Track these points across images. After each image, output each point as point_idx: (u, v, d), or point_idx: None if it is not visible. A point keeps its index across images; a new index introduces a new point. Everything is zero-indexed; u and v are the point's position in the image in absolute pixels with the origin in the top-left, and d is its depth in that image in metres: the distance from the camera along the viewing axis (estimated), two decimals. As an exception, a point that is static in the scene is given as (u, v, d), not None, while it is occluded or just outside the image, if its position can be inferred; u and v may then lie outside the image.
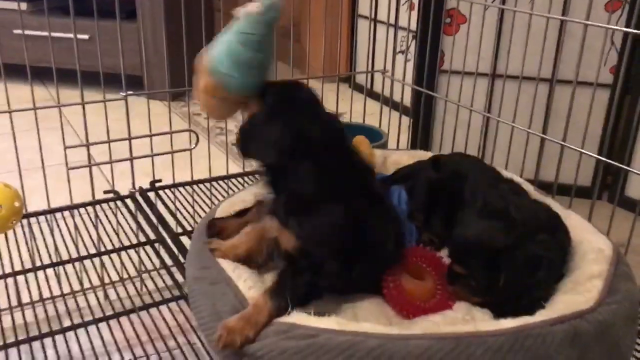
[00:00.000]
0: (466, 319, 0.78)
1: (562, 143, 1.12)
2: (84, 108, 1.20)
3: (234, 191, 1.33)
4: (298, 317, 0.72)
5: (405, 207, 0.98)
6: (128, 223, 1.21)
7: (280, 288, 0.75)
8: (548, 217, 0.89)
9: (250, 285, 0.78)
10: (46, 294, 1.00)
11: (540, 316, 0.70)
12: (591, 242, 0.87)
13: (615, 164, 1.10)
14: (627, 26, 1.64)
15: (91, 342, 0.89)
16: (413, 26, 2.08)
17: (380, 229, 0.83)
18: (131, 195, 1.25)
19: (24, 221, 1.16)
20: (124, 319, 0.95)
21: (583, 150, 1.10)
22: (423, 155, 1.15)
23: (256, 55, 0.82)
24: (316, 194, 0.79)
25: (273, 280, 0.77)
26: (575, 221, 0.93)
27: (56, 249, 1.12)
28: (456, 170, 1.02)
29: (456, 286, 0.83)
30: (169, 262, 1.05)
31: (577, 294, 0.75)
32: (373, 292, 0.84)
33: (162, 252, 1.09)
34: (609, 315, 0.72)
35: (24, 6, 2.45)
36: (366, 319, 0.78)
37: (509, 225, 0.81)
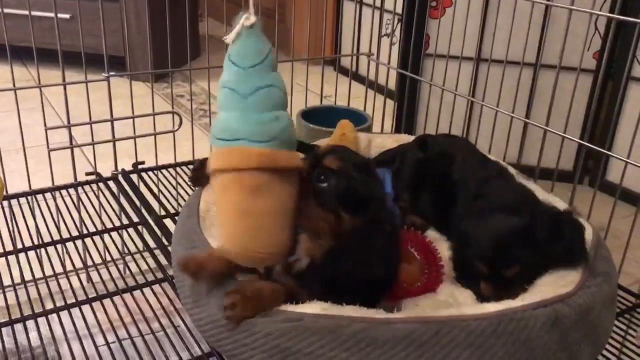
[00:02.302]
0: (449, 302, 0.79)
1: (545, 127, 1.13)
2: (65, 89, 1.18)
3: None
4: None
5: (391, 191, 0.98)
6: (110, 205, 1.20)
7: (305, 278, 0.74)
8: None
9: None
10: (28, 277, 0.99)
11: (522, 300, 0.71)
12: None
13: (597, 148, 1.11)
14: (611, 12, 1.65)
15: (74, 324, 0.89)
16: (399, 9, 2.07)
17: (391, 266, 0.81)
18: (114, 177, 1.24)
19: (5, 203, 1.15)
20: (107, 302, 0.94)
21: (565, 135, 1.11)
22: (407, 139, 1.16)
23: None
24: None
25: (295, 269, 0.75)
26: (557, 205, 0.94)
27: (38, 231, 1.11)
28: (443, 150, 1.02)
29: (487, 285, 0.82)
30: (152, 244, 1.04)
31: (559, 277, 0.76)
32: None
33: (146, 234, 1.09)
34: (589, 299, 0.73)
35: (2, -16, 2.40)
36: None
37: (526, 217, 0.82)
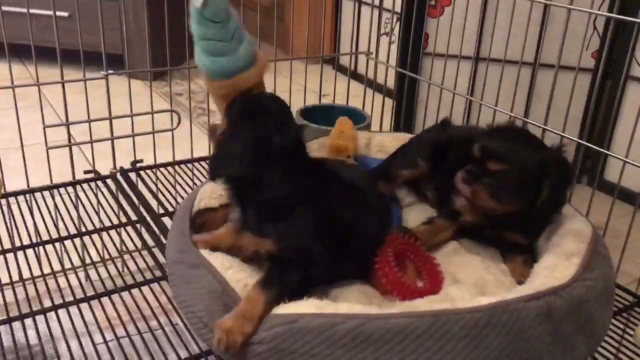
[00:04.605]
0: (444, 300, 0.79)
1: (544, 126, 1.13)
2: (63, 87, 1.18)
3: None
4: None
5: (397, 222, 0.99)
6: (109, 203, 1.20)
7: (271, 279, 0.75)
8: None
9: (227, 266, 0.79)
10: (26, 275, 0.99)
11: (516, 292, 0.72)
12: (571, 222, 0.88)
13: (595, 147, 1.11)
14: (610, 11, 1.65)
15: (72, 323, 0.89)
16: (398, 8, 2.07)
17: (361, 215, 0.84)
18: (112, 176, 1.24)
19: (3, 201, 1.14)
20: (105, 300, 0.94)
21: (564, 134, 1.11)
22: (406, 137, 1.16)
23: (215, 43, 0.90)
24: (286, 197, 0.79)
25: (263, 274, 0.77)
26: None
27: (36, 229, 1.11)
28: (464, 133, 1.02)
29: (476, 186, 0.86)
30: (150, 242, 1.04)
31: (555, 270, 0.77)
32: (360, 277, 0.85)
33: (144, 233, 1.08)
34: (583, 291, 0.74)
35: (1, -18, 2.39)
36: (346, 299, 0.79)
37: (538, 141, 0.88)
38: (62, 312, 0.91)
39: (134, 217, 1.13)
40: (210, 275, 0.77)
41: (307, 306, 0.70)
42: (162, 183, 1.31)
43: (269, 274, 0.76)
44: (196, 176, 1.33)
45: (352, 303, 0.74)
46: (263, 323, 0.70)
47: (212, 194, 0.95)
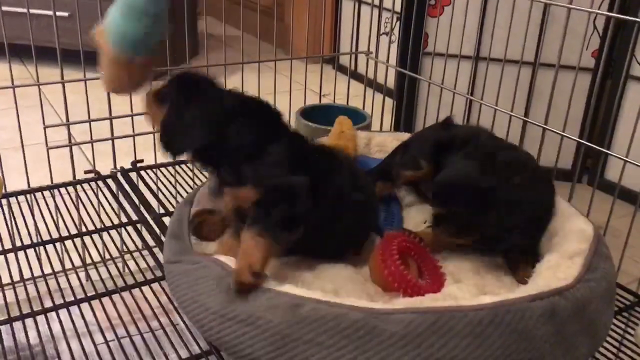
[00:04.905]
0: (447, 298, 0.79)
1: (544, 126, 1.13)
2: (63, 87, 1.18)
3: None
4: (287, 287, 0.73)
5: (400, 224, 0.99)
6: (109, 203, 1.20)
7: (258, 218, 0.75)
8: (532, 165, 0.94)
9: (228, 259, 0.79)
10: (27, 275, 0.99)
11: (519, 292, 0.72)
12: (573, 222, 0.88)
13: (596, 147, 1.11)
14: (610, 10, 1.65)
15: (73, 323, 0.89)
16: (398, 7, 2.07)
17: (337, 175, 0.86)
18: (112, 176, 1.24)
19: (4, 201, 1.14)
20: (106, 300, 0.94)
21: (564, 134, 1.11)
22: (406, 137, 1.16)
23: (143, 3, 0.81)
24: (255, 143, 0.80)
25: (249, 217, 0.77)
26: (557, 203, 0.94)
27: (37, 229, 1.11)
28: (465, 133, 1.02)
29: (439, 228, 0.86)
30: (151, 242, 1.04)
31: (558, 270, 0.77)
32: (344, 254, 0.87)
33: (145, 232, 1.08)
34: (586, 293, 0.74)
35: (1, -18, 2.39)
36: (348, 295, 0.79)
37: (491, 167, 0.86)
38: (62, 312, 0.91)
39: (134, 217, 1.13)
40: (213, 264, 0.78)
41: (313, 293, 0.71)
42: (162, 183, 1.31)
43: (255, 214, 0.76)
44: (197, 176, 1.33)
45: (355, 298, 0.74)
46: (268, 301, 0.70)
47: (210, 196, 0.95)
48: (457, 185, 0.86)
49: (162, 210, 1.18)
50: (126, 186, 1.21)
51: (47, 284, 0.97)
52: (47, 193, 1.20)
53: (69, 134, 1.21)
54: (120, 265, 1.08)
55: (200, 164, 0.86)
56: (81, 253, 1.11)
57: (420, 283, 0.84)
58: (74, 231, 1.11)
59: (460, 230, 0.86)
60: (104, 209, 1.19)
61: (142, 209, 1.13)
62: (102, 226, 1.14)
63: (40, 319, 0.89)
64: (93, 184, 1.24)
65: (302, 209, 0.78)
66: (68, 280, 0.97)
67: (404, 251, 0.87)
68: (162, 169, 1.32)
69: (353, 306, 0.68)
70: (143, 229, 1.10)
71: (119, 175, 1.24)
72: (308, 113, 1.42)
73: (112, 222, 1.15)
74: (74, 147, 1.22)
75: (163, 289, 0.97)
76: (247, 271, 0.72)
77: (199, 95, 0.83)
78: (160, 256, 1.00)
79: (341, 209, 0.85)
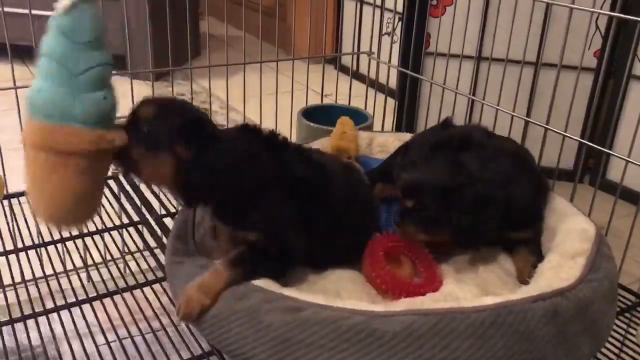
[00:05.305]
0: (448, 299, 0.79)
1: (546, 126, 1.13)
2: (65, 87, 1.18)
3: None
4: (289, 291, 0.73)
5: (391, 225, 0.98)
6: (111, 204, 1.20)
7: (241, 258, 0.76)
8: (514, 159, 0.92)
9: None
10: (28, 276, 0.99)
11: (521, 293, 0.72)
12: (575, 222, 0.88)
13: (597, 147, 1.11)
14: (612, 10, 1.64)
15: (74, 323, 0.89)
16: (399, 8, 2.07)
17: (333, 198, 0.85)
18: (114, 177, 1.24)
19: (5, 202, 1.14)
20: (107, 301, 0.94)
21: (566, 134, 1.11)
22: (408, 137, 1.15)
23: (59, 67, 0.73)
24: (257, 187, 0.79)
25: (235, 251, 0.77)
26: (559, 203, 0.94)
27: (38, 230, 1.11)
28: (464, 132, 1.02)
29: (404, 221, 0.86)
30: (152, 243, 1.04)
31: (560, 270, 0.77)
32: (348, 262, 0.86)
33: (146, 233, 1.08)
34: (589, 293, 0.74)
35: (3, -18, 2.39)
36: (350, 298, 0.79)
37: (458, 166, 0.86)
38: (64, 313, 0.91)
39: (135, 218, 1.13)
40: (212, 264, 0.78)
41: (314, 297, 0.71)
42: (164, 183, 1.30)
43: (240, 253, 0.77)
44: (198, 177, 1.33)
45: (356, 299, 0.74)
46: (268, 303, 0.71)
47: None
48: (422, 182, 0.86)
49: (163, 211, 1.18)
50: (127, 187, 1.21)
51: (48, 284, 0.97)
52: (48, 194, 1.20)
53: (71, 135, 1.21)
54: (121, 266, 1.08)
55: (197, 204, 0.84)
56: (82, 254, 1.11)
57: (416, 281, 0.84)
58: (75, 232, 1.12)
59: (428, 225, 0.86)
60: (105, 210, 1.19)
61: (143, 209, 1.13)
62: (104, 227, 1.14)
63: (42, 319, 0.89)
64: (95, 184, 1.23)
65: (289, 266, 0.80)
66: (69, 281, 0.97)
67: (393, 251, 0.87)
68: (164, 169, 1.32)
69: (354, 310, 0.68)
70: (144, 229, 1.10)
71: (120, 175, 1.24)
72: (310, 113, 1.42)
73: (113, 223, 1.15)
74: (75, 148, 1.22)
75: (164, 289, 0.97)
76: (197, 303, 0.72)
77: (213, 143, 0.77)
78: (161, 257, 1.00)
79: (340, 232, 0.85)
